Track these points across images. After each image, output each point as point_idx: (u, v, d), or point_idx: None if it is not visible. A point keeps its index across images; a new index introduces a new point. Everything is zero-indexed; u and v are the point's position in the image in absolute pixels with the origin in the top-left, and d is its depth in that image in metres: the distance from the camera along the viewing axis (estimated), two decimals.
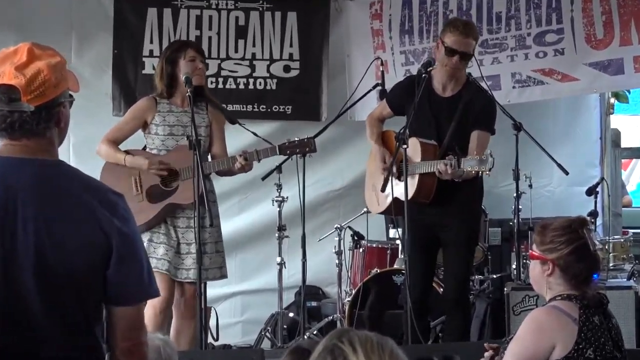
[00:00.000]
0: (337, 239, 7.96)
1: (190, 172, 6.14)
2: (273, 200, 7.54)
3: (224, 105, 7.79)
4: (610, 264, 7.68)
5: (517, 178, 7.25)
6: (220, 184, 7.58)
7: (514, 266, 7.67)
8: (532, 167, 7.95)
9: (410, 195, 6.20)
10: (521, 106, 8.14)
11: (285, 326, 7.78)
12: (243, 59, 8.64)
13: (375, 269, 7.61)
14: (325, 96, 8.71)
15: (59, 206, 2.93)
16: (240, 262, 8.73)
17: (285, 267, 7.64)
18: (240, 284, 8.77)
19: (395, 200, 6.35)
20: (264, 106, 8.66)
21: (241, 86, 8.64)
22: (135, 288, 3.04)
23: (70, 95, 3.11)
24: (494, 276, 8.11)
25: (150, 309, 6.20)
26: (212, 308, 7.65)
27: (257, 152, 6.36)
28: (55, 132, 3.05)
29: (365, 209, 7.58)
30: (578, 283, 3.97)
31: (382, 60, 8.03)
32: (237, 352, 7.17)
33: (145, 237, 6.27)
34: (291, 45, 8.68)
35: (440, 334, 7.24)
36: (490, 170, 6.00)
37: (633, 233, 8.48)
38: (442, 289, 6.95)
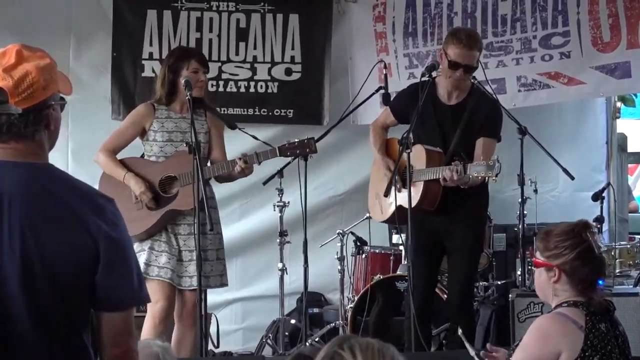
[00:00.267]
0: (339, 244, 7.95)
1: (190, 177, 6.09)
2: (274, 205, 7.51)
3: (224, 109, 7.75)
4: (617, 271, 7.61)
5: (522, 183, 7.21)
6: (221, 189, 7.53)
7: (519, 272, 7.62)
8: (537, 172, 7.93)
9: (414, 202, 6.16)
10: (526, 110, 8.12)
11: (286, 333, 7.76)
12: (244, 61, 8.60)
13: (379, 275, 7.58)
14: (327, 100, 8.67)
15: (46, 211, 2.89)
16: (241, 268, 8.71)
17: (286, 273, 7.61)
18: (241, 290, 8.75)
19: (399, 208, 6.30)
20: (265, 110, 8.62)
21: (242, 89, 8.60)
22: (124, 293, 2.98)
23: (62, 98, 3.08)
24: (499, 282, 8.08)
25: (150, 320, 6.17)
26: (213, 315, 7.61)
27: (257, 154, 6.31)
28: (45, 135, 3.01)
29: (367, 215, 7.54)
30: (585, 288, 3.94)
31: (385, 63, 7.95)
32: None
33: (146, 246, 6.25)
34: (293, 48, 8.63)
35: (444, 342, 7.19)
36: (497, 175, 5.94)
37: (639, 239, 8.41)
38: (445, 295, 6.90)
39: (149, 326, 6.17)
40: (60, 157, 8.32)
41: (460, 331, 4.55)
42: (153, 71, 8.05)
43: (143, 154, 6.50)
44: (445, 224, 6.40)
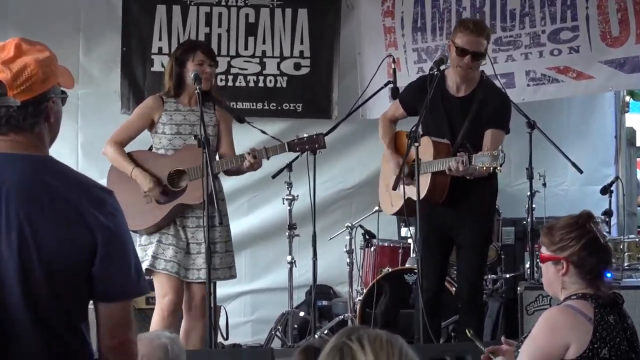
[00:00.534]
0: (348, 237, 7.96)
1: (199, 171, 6.08)
2: (283, 199, 7.53)
3: (233, 104, 7.75)
4: (625, 264, 7.60)
5: (530, 177, 7.22)
6: (230, 183, 7.55)
7: (527, 265, 7.63)
8: (546, 166, 7.93)
9: (422, 194, 6.15)
10: (535, 104, 8.13)
11: (295, 325, 7.77)
12: (253, 56, 8.61)
13: (387, 268, 7.58)
14: (336, 94, 8.67)
15: (44, 203, 2.89)
16: (250, 261, 8.72)
17: (295, 266, 7.63)
18: (250, 283, 8.76)
19: (408, 200, 6.30)
20: (274, 104, 8.63)
21: (251, 84, 8.61)
22: (122, 284, 2.99)
23: (63, 92, 3.08)
24: (507, 275, 8.08)
25: (159, 312, 6.17)
26: (222, 307, 7.63)
27: (266, 149, 6.30)
28: (45, 127, 3.01)
29: (376, 208, 7.54)
30: (593, 278, 3.92)
31: (394, 58, 7.97)
32: (246, 352, 7.11)
33: (154, 239, 6.25)
34: (302, 43, 8.64)
35: (453, 334, 7.19)
36: (501, 165, 5.93)
37: None
38: (454, 288, 6.90)
39: (157, 319, 6.17)
40: (70, 152, 8.35)
41: (470, 332, 4.54)
42: (162, 66, 8.04)
43: (151, 146, 6.50)
44: (453, 217, 6.40)
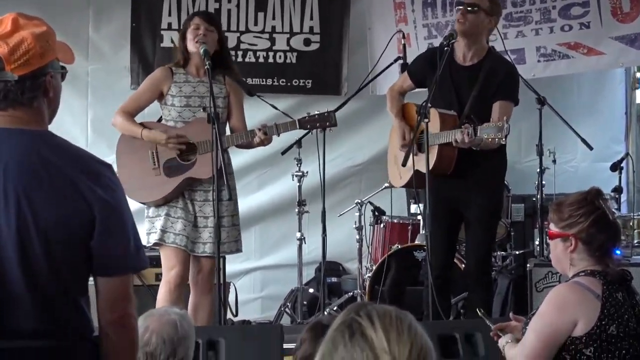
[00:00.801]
0: (357, 214, 7.95)
1: (208, 145, 6.07)
2: (293, 175, 7.53)
3: (243, 79, 7.72)
4: (635, 241, 7.59)
5: (540, 153, 7.21)
6: (240, 159, 7.55)
7: (536, 242, 7.63)
8: (556, 143, 7.91)
9: (430, 166, 6.13)
10: (545, 80, 8.10)
11: (305, 302, 7.78)
12: (263, 32, 8.59)
13: (397, 245, 7.58)
14: (346, 70, 8.66)
15: (42, 177, 2.90)
16: (259, 238, 8.73)
17: (305, 243, 7.63)
18: (259, 260, 8.77)
19: (417, 172, 6.28)
20: (284, 80, 8.62)
21: (261, 60, 8.59)
22: (121, 258, 3.00)
23: (63, 67, 3.08)
24: (517, 252, 8.08)
25: (165, 285, 6.17)
26: (231, 283, 7.64)
27: (276, 126, 6.28)
28: (44, 102, 3.02)
29: (386, 184, 7.54)
30: (602, 255, 3.91)
31: (404, 34, 7.96)
32: (256, 328, 7.12)
33: (162, 212, 6.23)
34: (311, 19, 8.62)
35: (462, 311, 7.19)
36: (506, 137, 5.90)
37: None
38: (463, 265, 6.89)
39: (164, 292, 6.17)
40: (80, 128, 8.36)
41: (480, 311, 4.54)
42: (172, 41, 8.04)
43: (160, 117, 6.49)
44: (461, 190, 6.36)
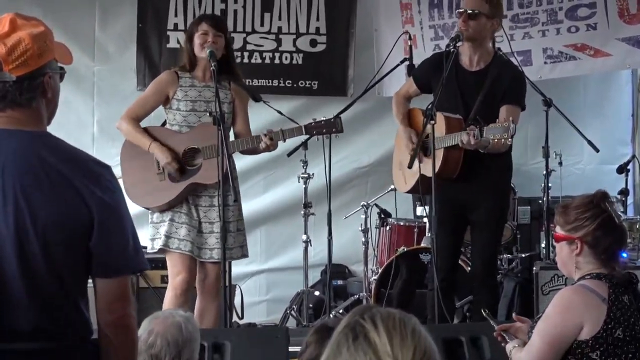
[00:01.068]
0: (363, 216, 7.94)
1: (214, 150, 6.05)
2: (299, 177, 7.52)
3: (249, 81, 7.72)
4: None
5: (547, 155, 7.19)
6: (246, 161, 7.55)
7: (543, 245, 7.61)
8: (562, 145, 7.91)
9: (436, 170, 6.11)
10: (551, 82, 8.09)
11: (310, 305, 7.76)
12: (269, 32, 8.59)
13: (402, 247, 7.56)
14: (352, 71, 8.66)
15: (40, 178, 2.89)
16: (265, 240, 8.73)
17: (310, 245, 7.62)
18: (265, 262, 8.77)
19: (422, 177, 6.27)
20: (290, 81, 8.62)
21: (267, 61, 8.59)
22: (119, 260, 3.00)
23: (61, 68, 3.07)
24: (523, 255, 8.06)
25: (171, 291, 6.15)
26: (237, 286, 7.63)
27: (282, 131, 6.27)
28: (42, 103, 3.01)
29: (392, 187, 7.52)
30: (607, 258, 3.90)
31: (410, 35, 7.95)
32: (261, 331, 7.11)
33: (166, 217, 6.21)
34: (318, 19, 8.61)
35: (467, 314, 7.17)
36: (512, 137, 5.89)
37: None
38: (469, 268, 6.87)
39: (170, 297, 6.15)
40: (85, 128, 8.37)
41: (485, 312, 4.52)
42: (178, 42, 8.04)
43: (164, 121, 6.47)
44: (467, 193, 6.35)
